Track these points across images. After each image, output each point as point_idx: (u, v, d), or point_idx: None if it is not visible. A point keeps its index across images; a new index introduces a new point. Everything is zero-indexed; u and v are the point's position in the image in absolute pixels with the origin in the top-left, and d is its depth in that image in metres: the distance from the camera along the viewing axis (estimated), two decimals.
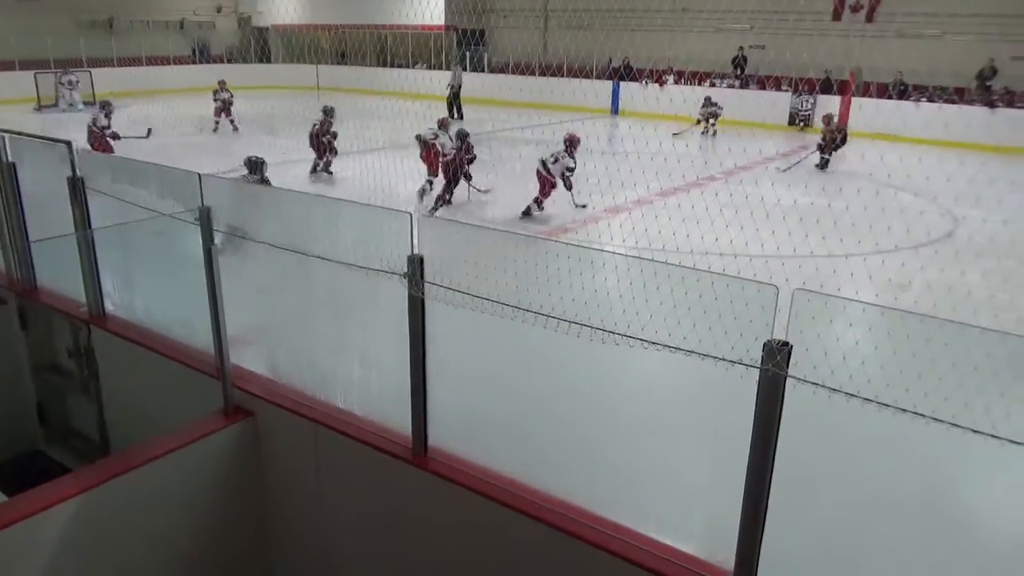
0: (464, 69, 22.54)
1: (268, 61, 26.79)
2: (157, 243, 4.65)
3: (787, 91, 17.41)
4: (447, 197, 9.47)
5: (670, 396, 3.85)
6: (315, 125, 11.10)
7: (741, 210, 8.82)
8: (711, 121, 15.61)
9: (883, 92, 16.91)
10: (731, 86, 18.74)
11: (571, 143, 9.14)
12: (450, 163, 9.53)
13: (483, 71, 22.62)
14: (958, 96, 16.21)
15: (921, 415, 2.25)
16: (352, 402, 3.59)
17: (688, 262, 3.05)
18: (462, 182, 9.70)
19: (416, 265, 3.10)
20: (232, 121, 15.45)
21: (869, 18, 17.76)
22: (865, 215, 8.56)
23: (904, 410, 2.28)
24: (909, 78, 16.64)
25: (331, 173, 11.07)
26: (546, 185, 9.12)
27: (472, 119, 16.88)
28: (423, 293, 3.14)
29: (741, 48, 19.18)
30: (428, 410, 3.20)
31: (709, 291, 2.59)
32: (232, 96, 15.58)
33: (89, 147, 10.70)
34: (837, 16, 18.09)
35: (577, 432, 3.65)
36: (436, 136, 10.07)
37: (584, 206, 9.29)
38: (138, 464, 3.40)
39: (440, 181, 9.66)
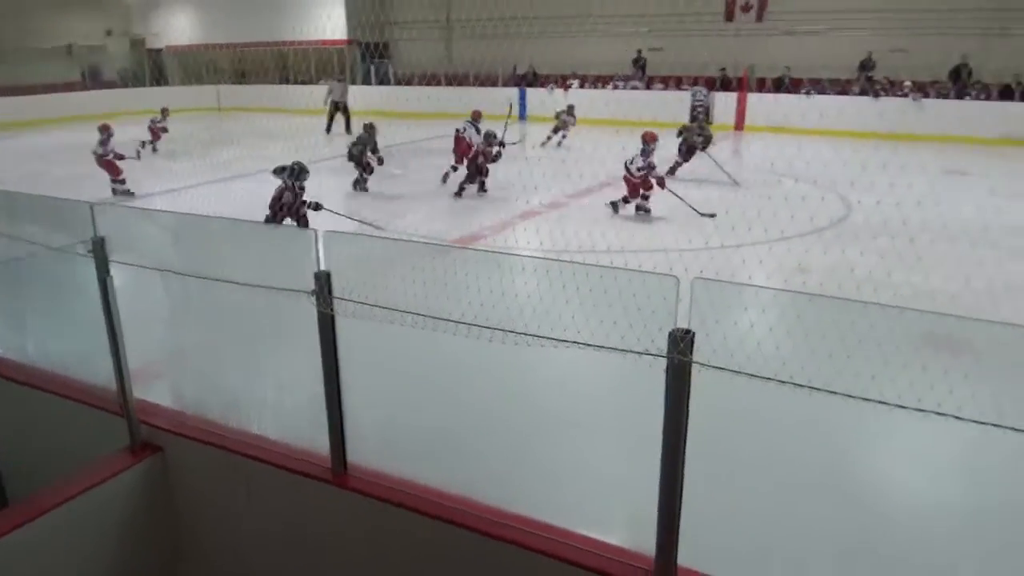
0: (368, 82, 22.38)
1: (164, 84, 25.85)
2: (49, 278, 4.41)
3: (687, 89, 17.98)
4: (466, 186, 10.29)
5: (586, 392, 3.90)
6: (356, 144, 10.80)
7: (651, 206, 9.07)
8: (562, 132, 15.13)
9: (778, 87, 17.72)
10: (635, 87, 19.21)
11: (647, 140, 9.21)
12: (474, 157, 10.33)
13: (389, 84, 22.50)
14: (844, 88, 17.12)
15: (826, 391, 2.35)
16: (267, 427, 3.49)
17: (602, 261, 3.11)
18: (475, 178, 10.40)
19: (323, 282, 3.04)
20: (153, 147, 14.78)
21: (759, 17, 18.57)
22: (769, 204, 8.92)
23: (807, 387, 2.37)
24: (798, 73, 17.47)
25: (367, 190, 10.84)
26: (631, 186, 9.21)
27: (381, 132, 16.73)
28: (332, 310, 3.08)
29: (640, 51, 19.72)
30: (345, 428, 3.14)
31: (614, 287, 2.64)
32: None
33: None
34: (730, 16, 18.83)
35: (500, 436, 3.66)
36: (464, 129, 11.01)
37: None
38: (40, 513, 3.21)
39: (463, 171, 10.54)
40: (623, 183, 9.23)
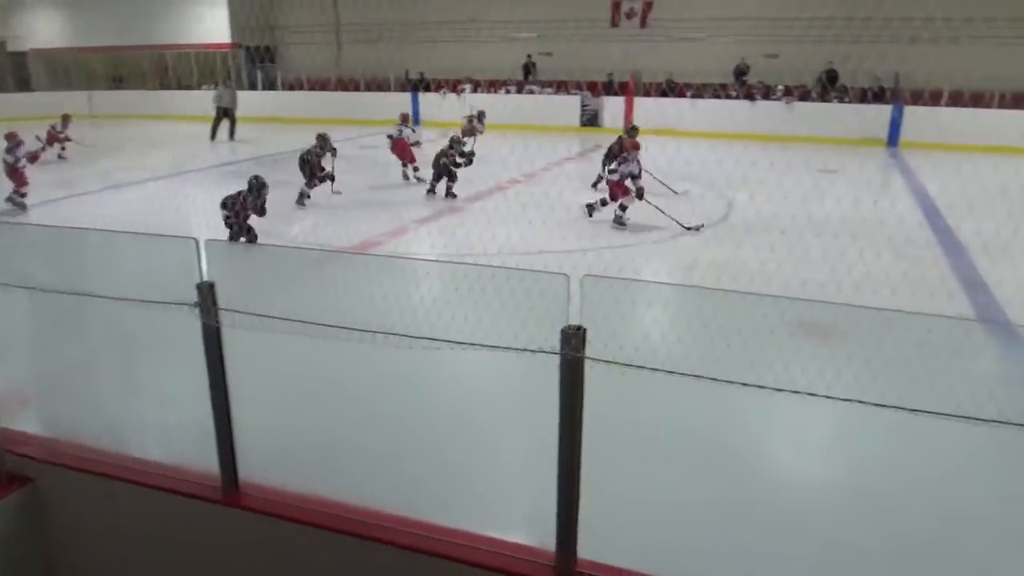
0: (254, 87, 21.64)
1: (28, 89, 24.09)
2: None
3: (577, 94, 18.39)
4: (435, 184, 10.42)
5: (484, 392, 3.92)
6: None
7: (542, 209, 9.20)
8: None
9: (664, 92, 18.40)
10: (531, 91, 19.42)
11: (629, 149, 9.07)
12: (439, 158, 10.36)
13: (276, 89, 21.85)
14: (723, 92, 17.97)
15: (710, 379, 2.44)
16: (150, 449, 3.31)
17: (496, 262, 3.13)
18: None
19: (207, 293, 2.91)
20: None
21: (642, 24, 19.24)
22: (661, 204, 9.27)
23: (692, 376, 2.46)
24: (682, 78, 18.20)
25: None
26: (616, 191, 8.97)
27: (266, 139, 16.23)
28: (218, 321, 2.96)
29: (530, 56, 20.01)
30: (236, 444, 3.01)
31: (507, 287, 2.67)
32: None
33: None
34: (615, 23, 19.41)
35: (399, 441, 3.62)
36: (400, 132, 11.44)
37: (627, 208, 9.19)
38: None
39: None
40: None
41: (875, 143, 15.58)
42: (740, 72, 18.06)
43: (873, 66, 15.93)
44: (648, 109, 16.78)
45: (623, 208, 8.83)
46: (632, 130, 10.53)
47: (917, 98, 15.82)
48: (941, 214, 9.27)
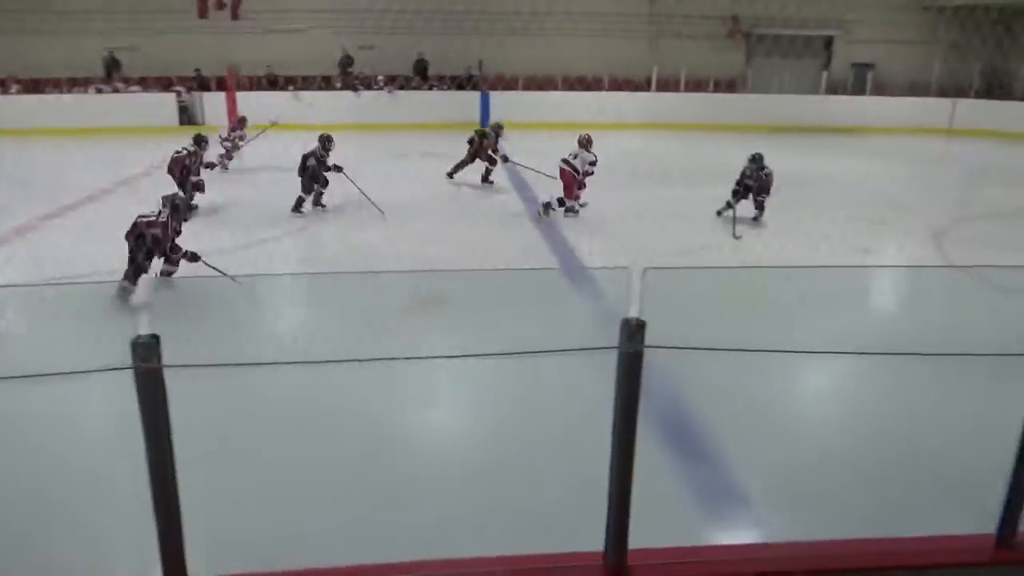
0: None
1: None
2: None
3: (177, 91, 16.97)
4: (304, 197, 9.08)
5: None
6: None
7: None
8: None
9: (273, 85, 17.87)
10: (99, 90, 17.13)
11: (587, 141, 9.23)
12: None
13: None
14: (328, 83, 18.09)
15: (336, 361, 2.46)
16: None
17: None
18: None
19: None
20: None
21: (233, 16, 18.37)
22: (272, 201, 9.05)
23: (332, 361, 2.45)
24: (284, 70, 17.88)
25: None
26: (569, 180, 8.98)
27: None
28: None
29: (111, 50, 17.77)
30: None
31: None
32: None
33: None
34: (203, 14, 18.23)
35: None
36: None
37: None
38: None
39: None
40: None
41: (470, 126, 17.14)
42: (345, 64, 18.34)
43: (458, 56, 17.45)
44: (252, 103, 16.14)
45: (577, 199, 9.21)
46: (497, 126, 11.21)
47: (499, 84, 17.83)
48: (530, 186, 10.57)
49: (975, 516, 2.21)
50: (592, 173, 9.20)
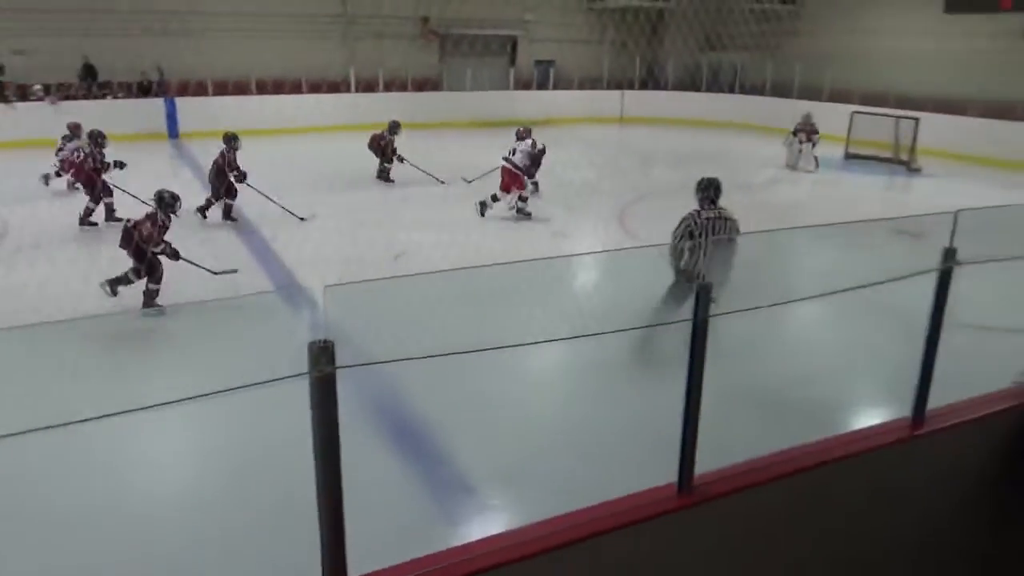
0: None
1: None
2: None
3: None
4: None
5: None
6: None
7: None
8: None
9: None
10: None
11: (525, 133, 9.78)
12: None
13: None
14: None
15: None
16: None
17: None
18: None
19: None
20: None
21: None
22: None
23: None
24: None
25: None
26: (510, 178, 9.29)
27: None
28: None
29: None
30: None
31: None
32: None
33: None
34: None
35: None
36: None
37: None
38: None
39: None
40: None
41: (158, 137, 15.58)
42: None
43: (131, 60, 15.70)
44: None
45: (524, 200, 9.48)
46: (394, 125, 11.36)
47: (186, 90, 16.27)
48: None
49: (668, 470, 2.45)
50: (539, 163, 9.57)
